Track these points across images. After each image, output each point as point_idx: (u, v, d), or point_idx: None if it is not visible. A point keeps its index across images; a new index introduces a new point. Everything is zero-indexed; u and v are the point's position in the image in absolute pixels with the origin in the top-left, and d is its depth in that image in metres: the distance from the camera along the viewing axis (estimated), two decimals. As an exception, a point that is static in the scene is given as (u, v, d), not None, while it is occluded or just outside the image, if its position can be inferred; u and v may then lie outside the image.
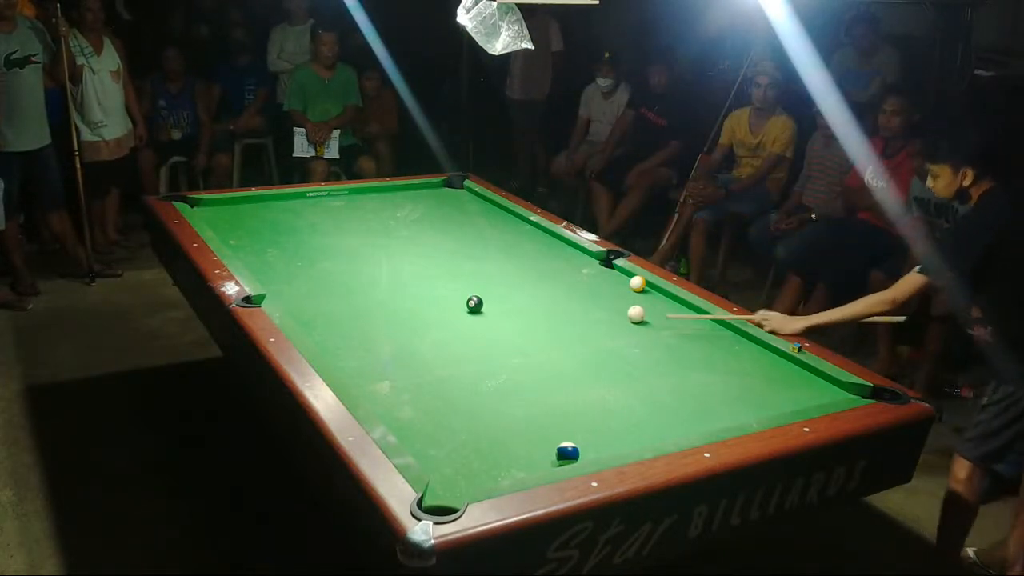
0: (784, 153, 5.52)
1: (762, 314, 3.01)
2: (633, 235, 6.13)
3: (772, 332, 2.94)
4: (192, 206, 3.96)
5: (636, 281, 3.37)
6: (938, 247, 3.04)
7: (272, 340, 2.67)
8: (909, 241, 4.41)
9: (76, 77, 5.34)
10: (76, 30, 5.41)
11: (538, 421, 2.41)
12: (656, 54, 6.28)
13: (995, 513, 3.45)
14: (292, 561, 3.07)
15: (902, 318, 3.11)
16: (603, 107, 6.63)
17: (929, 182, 3.10)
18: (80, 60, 5.37)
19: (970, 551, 3.24)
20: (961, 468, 3.02)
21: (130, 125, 5.82)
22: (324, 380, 2.44)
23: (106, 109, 5.58)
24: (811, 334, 2.98)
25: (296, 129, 6.28)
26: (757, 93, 5.52)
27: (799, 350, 2.83)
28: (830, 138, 5.11)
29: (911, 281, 2.96)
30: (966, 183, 2.98)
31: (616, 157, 6.42)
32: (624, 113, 6.44)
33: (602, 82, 6.52)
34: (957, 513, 3.05)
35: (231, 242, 3.58)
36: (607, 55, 6.52)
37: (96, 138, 5.56)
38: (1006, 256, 2.91)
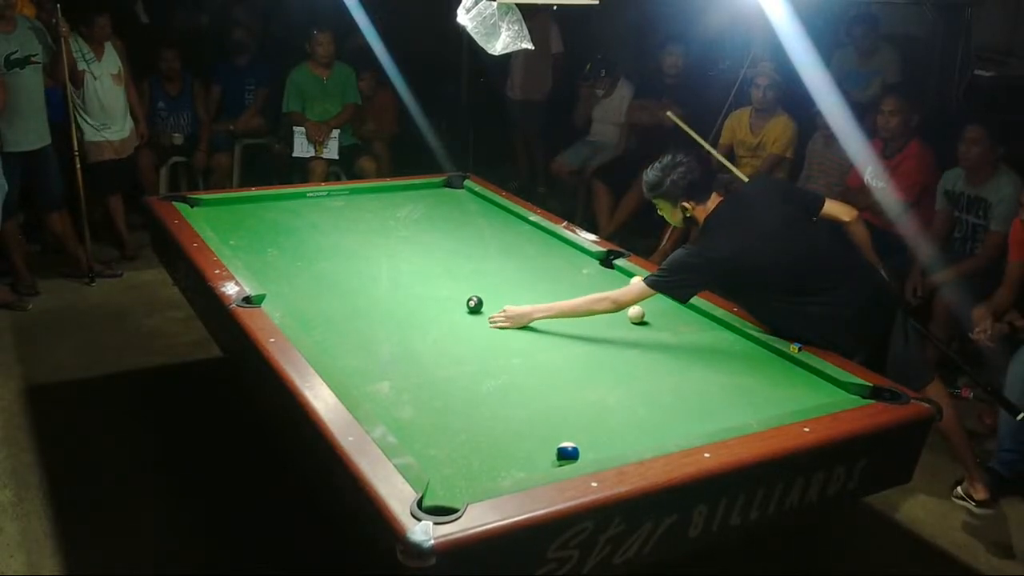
0: (784, 153, 5.52)
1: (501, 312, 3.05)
2: (633, 235, 6.12)
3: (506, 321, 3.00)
4: (192, 206, 3.96)
5: (636, 281, 3.36)
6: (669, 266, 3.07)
7: (272, 340, 2.67)
8: (908, 240, 4.42)
9: (78, 81, 5.35)
10: (77, 34, 5.41)
11: (538, 421, 2.42)
12: (671, 37, 6.22)
13: (995, 513, 3.46)
14: (292, 561, 3.07)
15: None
16: (603, 106, 6.61)
17: (659, 211, 3.17)
18: (81, 65, 5.38)
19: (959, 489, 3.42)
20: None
21: (133, 125, 5.82)
22: (324, 380, 2.44)
23: (109, 112, 5.59)
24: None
25: (296, 129, 6.27)
26: (756, 94, 5.52)
27: (799, 350, 2.83)
28: (830, 138, 5.11)
29: (634, 288, 3.04)
30: (690, 213, 3.08)
31: (619, 156, 6.42)
32: (632, 106, 6.38)
33: (596, 92, 6.52)
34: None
35: (231, 242, 3.58)
36: (588, 67, 6.45)
37: (100, 139, 5.57)
38: (753, 276, 2.97)
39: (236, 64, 6.73)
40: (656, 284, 2.97)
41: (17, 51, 4.88)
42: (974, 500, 3.33)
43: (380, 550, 1.91)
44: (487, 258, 3.69)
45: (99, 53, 5.52)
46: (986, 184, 4.31)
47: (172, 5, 7.28)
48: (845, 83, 5.32)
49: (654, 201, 3.17)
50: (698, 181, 3.09)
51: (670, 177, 3.06)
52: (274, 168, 6.60)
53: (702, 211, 3.08)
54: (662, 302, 3.24)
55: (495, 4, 3.03)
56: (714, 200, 3.09)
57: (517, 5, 3.07)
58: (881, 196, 4.67)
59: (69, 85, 5.20)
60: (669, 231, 5.76)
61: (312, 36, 6.30)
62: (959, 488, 3.41)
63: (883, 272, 3.31)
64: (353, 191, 4.57)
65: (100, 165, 5.57)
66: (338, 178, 6.23)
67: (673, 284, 2.97)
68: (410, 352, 2.82)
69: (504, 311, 3.03)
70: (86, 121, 5.49)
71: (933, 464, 3.76)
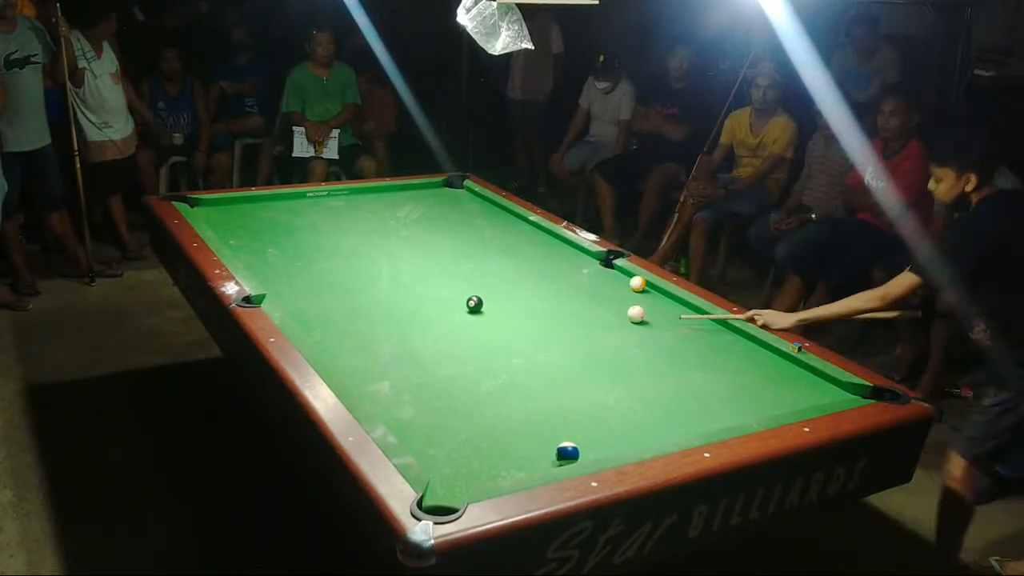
0: (784, 154, 5.52)
1: (754, 312, 3.04)
2: (635, 235, 6.13)
3: (764, 327, 2.97)
4: (192, 206, 3.96)
5: (636, 281, 3.37)
6: (936, 249, 3.04)
7: (272, 340, 2.66)
8: (909, 241, 4.42)
9: (78, 80, 5.36)
10: (79, 32, 5.42)
11: (538, 421, 2.41)
12: (677, 39, 6.22)
13: (997, 515, 3.46)
14: (292, 561, 3.07)
15: (896, 313, 3.16)
16: (603, 103, 6.60)
17: (931, 185, 3.13)
18: (82, 63, 5.38)
19: (992, 560, 3.23)
20: (955, 466, 3.02)
21: (134, 125, 5.83)
22: (324, 380, 2.44)
23: (110, 110, 5.59)
24: (805, 330, 3.01)
25: (295, 128, 6.27)
26: (756, 94, 5.52)
27: (799, 350, 2.83)
28: (830, 138, 5.11)
29: (904, 280, 3.00)
30: (968, 188, 3.00)
31: (618, 155, 6.42)
32: (635, 113, 6.40)
33: (599, 84, 6.52)
34: (952, 511, 3.04)
35: (231, 242, 3.58)
36: (601, 59, 6.48)
37: (103, 138, 5.57)
38: (1005, 261, 2.93)
39: (236, 64, 6.73)
40: (926, 266, 2.94)
41: (17, 51, 4.88)
42: None
43: (380, 550, 1.91)
44: (487, 258, 3.69)
45: (99, 51, 5.53)
46: None
47: (167, 2, 7.29)
48: (845, 83, 5.32)
49: (936, 171, 3.07)
50: (997, 158, 3.05)
51: (971, 142, 3.02)
52: (276, 169, 6.62)
53: (977, 195, 3.01)
54: (662, 303, 3.26)
55: (495, 4, 3.03)
56: (986, 191, 3.03)
57: (517, 5, 3.07)
58: (881, 196, 4.68)
59: (69, 84, 5.21)
60: (669, 231, 5.78)
61: (312, 36, 6.31)
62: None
63: None
64: (353, 191, 4.57)
65: (102, 165, 5.57)
66: (338, 178, 6.23)
67: (949, 258, 2.92)
68: (410, 352, 2.82)
69: (761, 316, 2.99)
70: (88, 120, 5.50)
71: (933, 464, 3.76)
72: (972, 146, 3.04)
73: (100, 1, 5.56)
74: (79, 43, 5.39)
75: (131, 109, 5.84)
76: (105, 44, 5.59)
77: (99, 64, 5.52)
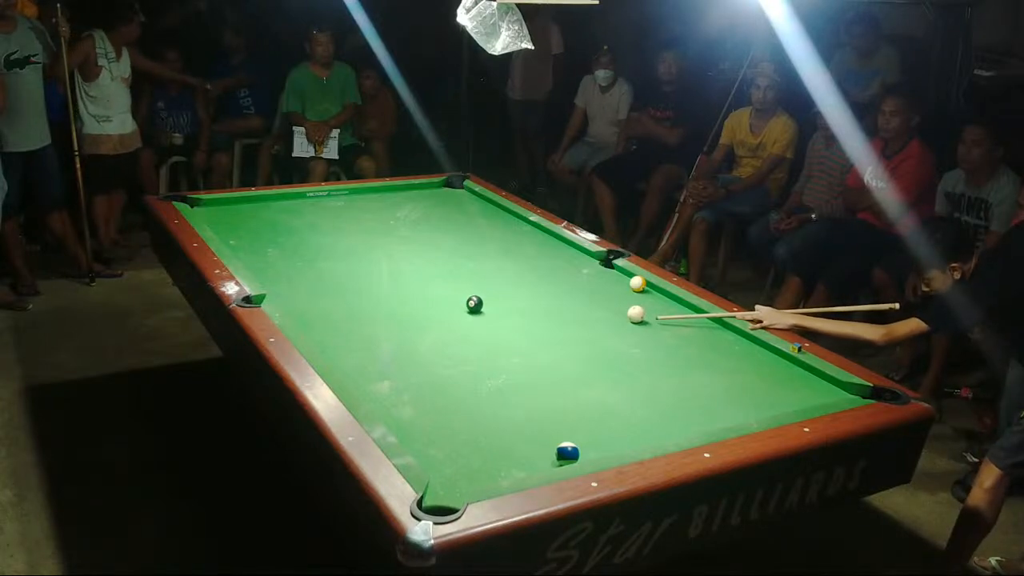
0: (784, 154, 5.52)
1: (756, 310, 3.07)
2: (635, 235, 6.13)
3: (763, 327, 2.98)
4: (192, 206, 3.96)
5: (636, 281, 3.37)
6: (948, 303, 3.12)
7: (272, 340, 2.67)
8: (908, 242, 4.42)
9: (91, 74, 5.44)
10: (104, 33, 5.49)
11: (538, 421, 2.42)
12: (665, 44, 6.24)
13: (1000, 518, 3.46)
14: (292, 562, 3.07)
15: (893, 305, 3.24)
16: (601, 102, 6.59)
17: (927, 286, 3.28)
18: (102, 62, 5.46)
19: (992, 560, 3.23)
20: (988, 476, 2.98)
21: (135, 125, 5.83)
22: (324, 380, 2.44)
23: (113, 108, 5.61)
24: (804, 330, 3.03)
25: (296, 128, 6.27)
26: (756, 94, 5.52)
27: (799, 350, 2.83)
28: (830, 138, 5.11)
29: (911, 324, 3.07)
30: (957, 276, 3.16)
31: (619, 156, 6.43)
32: (629, 117, 6.43)
33: (601, 74, 6.50)
34: (974, 518, 3.00)
35: (231, 242, 3.58)
36: (605, 47, 6.51)
37: (100, 131, 5.58)
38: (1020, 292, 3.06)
39: (230, 63, 6.73)
40: (938, 320, 3.08)
41: (17, 51, 4.89)
42: None
43: (380, 550, 1.91)
44: (487, 258, 3.69)
45: (119, 55, 5.59)
46: (986, 185, 4.32)
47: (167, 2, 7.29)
48: (845, 83, 5.32)
49: (927, 277, 3.27)
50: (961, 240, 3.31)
51: (944, 237, 3.27)
52: (276, 169, 6.62)
53: (968, 268, 3.19)
54: (662, 303, 3.26)
55: (495, 4, 3.03)
56: (973, 261, 3.21)
57: (517, 5, 3.07)
58: (881, 196, 4.68)
59: (78, 77, 5.26)
60: (669, 231, 5.78)
61: (312, 36, 6.31)
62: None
63: None
64: (353, 191, 4.57)
65: (99, 159, 5.57)
66: (338, 178, 6.23)
67: (967, 308, 3.06)
68: (410, 352, 2.82)
69: (758, 312, 3.05)
70: (88, 113, 5.51)
71: (933, 464, 3.77)
72: (938, 245, 3.27)
73: (124, 6, 5.61)
74: (102, 43, 5.49)
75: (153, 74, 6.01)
76: (125, 50, 5.64)
77: (117, 66, 5.59)
